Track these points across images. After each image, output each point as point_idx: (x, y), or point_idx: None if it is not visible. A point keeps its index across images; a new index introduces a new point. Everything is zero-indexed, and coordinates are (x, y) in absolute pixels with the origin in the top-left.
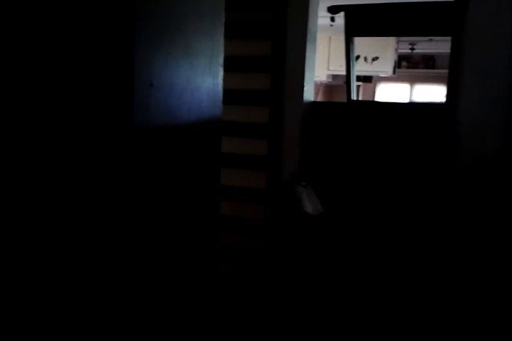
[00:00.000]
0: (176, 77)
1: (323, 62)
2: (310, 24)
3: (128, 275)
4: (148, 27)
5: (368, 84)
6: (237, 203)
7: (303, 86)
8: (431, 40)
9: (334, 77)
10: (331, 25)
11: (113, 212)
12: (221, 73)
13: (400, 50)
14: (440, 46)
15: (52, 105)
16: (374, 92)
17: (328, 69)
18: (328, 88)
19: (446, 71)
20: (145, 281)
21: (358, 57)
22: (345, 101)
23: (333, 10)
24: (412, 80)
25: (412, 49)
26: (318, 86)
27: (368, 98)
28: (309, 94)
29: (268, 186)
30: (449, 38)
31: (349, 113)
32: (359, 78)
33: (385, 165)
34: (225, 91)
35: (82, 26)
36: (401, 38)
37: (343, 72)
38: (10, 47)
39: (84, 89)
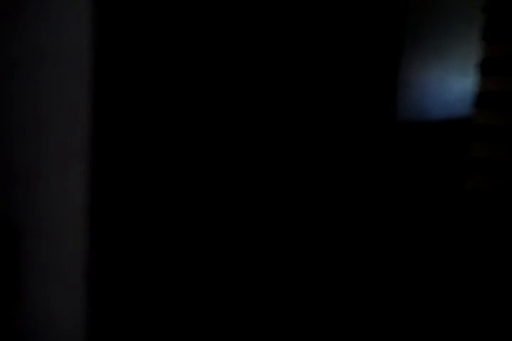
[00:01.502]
0: (429, 78)
1: None
2: None
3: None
4: (407, 36)
5: None
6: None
7: None
8: None
9: None
10: None
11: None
12: (473, 75)
13: None
14: None
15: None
16: None
17: None
18: None
19: None
20: None
21: None
22: None
23: None
24: None
25: None
26: None
27: None
28: None
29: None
30: None
31: None
32: None
33: None
34: (479, 94)
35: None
36: None
37: None
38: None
39: (362, 87)
